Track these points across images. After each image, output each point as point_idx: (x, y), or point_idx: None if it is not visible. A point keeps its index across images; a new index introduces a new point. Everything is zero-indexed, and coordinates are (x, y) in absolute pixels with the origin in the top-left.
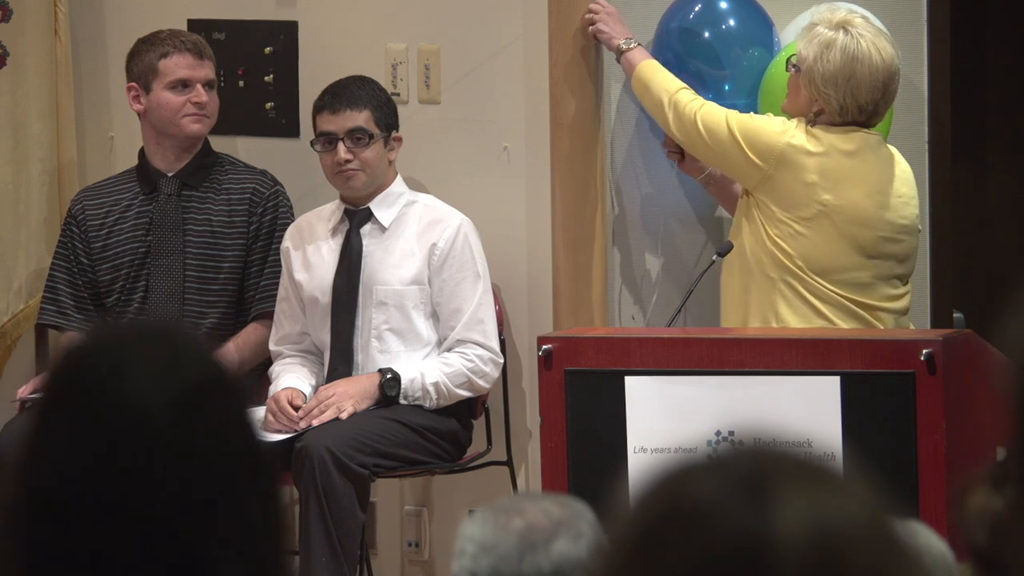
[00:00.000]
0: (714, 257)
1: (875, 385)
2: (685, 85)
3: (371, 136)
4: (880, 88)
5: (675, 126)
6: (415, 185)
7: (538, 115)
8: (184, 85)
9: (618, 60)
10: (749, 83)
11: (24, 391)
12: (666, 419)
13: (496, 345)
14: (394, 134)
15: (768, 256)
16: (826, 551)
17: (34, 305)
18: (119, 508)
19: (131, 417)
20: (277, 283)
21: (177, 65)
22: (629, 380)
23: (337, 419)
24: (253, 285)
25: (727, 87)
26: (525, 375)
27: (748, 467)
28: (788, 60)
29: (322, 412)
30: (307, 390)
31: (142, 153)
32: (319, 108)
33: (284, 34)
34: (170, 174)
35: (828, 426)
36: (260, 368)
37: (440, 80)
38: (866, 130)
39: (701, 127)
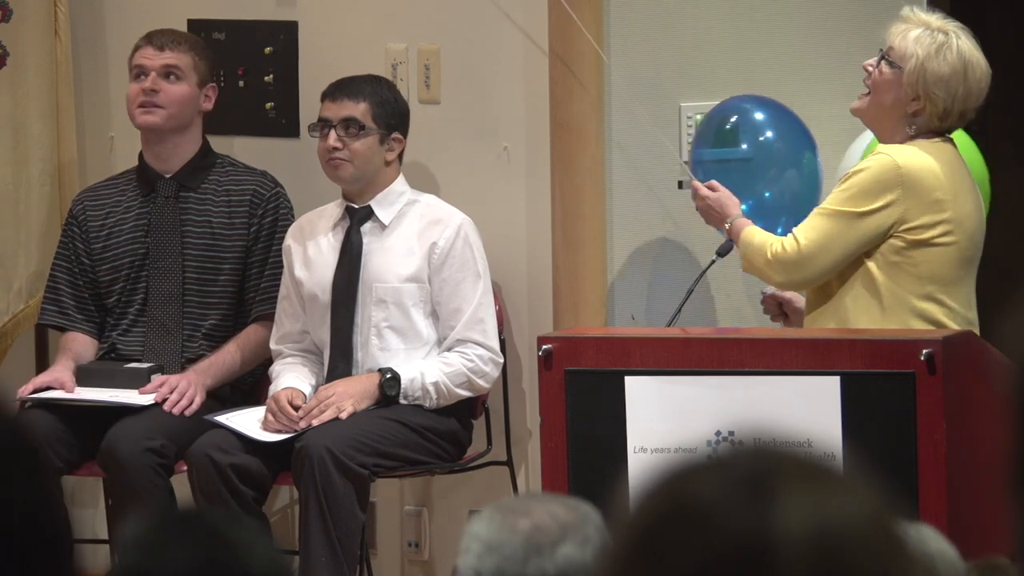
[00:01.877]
0: (714, 257)
1: (875, 385)
2: (777, 237)
3: (362, 127)
4: (983, 94)
5: (787, 277)
6: (415, 185)
7: (538, 115)
8: (142, 74)
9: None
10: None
11: (24, 391)
12: (666, 419)
13: (496, 345)
14: (394, 135)
15: (901, 287)
16: (827, 551)
17: (34, 305)
18: None
19: None
20: (277, 285)
21: (139, 56)
22: (629, 380)
23: (337, 419)
24: (253, 287)
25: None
26: (525, 375)
27: (749, 467)
28: (881, 58)
29: (322, 412)
30: (307, 390)
31: (142, 154)
32: (323, 95)
33: (284, 34)
34: (168, 175)
35: (828, 426)
36: (260, 368)
37: (440, 80)
38: (944, 138)
39: (815, 249)
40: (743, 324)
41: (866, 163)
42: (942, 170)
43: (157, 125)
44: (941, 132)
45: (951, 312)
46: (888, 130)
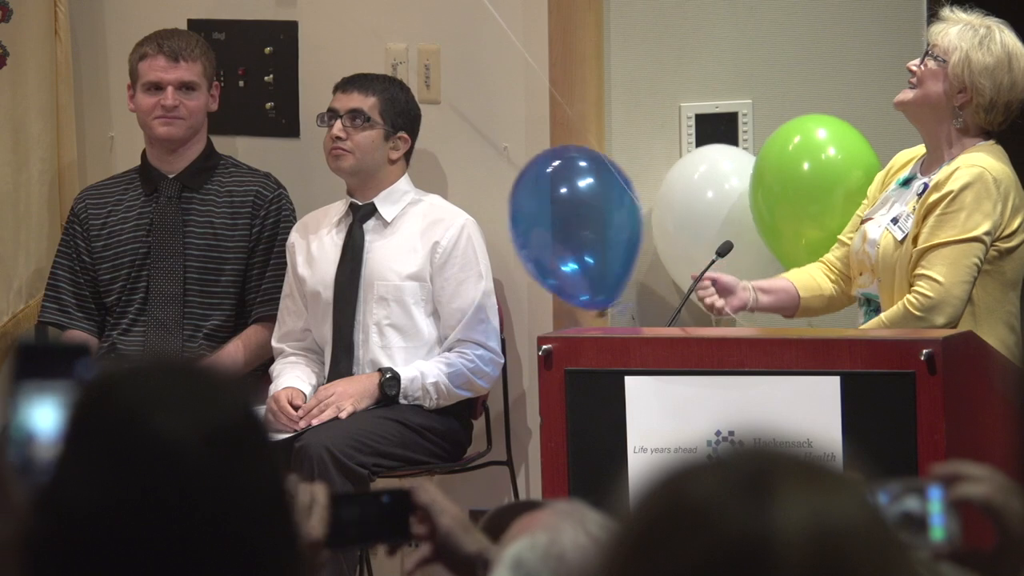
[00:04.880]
0: (714, 256)
1: (875, 385)
2: (900, 302)
3: (368, 120)
4: None
5: (947, 316)
6: (415, 184)
7: (538, 115)
8: (157, 88)
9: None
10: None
11: None
12: (666, 419)
13: (497, 345)
14: (400, 134)
15: (991, 296)
16: (826, 550)
17: (34, 305)
18: (145, 544)
19: (163, 452)
20: (278, 286)
21: (150, 68)
22: (629, 380)
23: (336, 419)
24: (254, 288)
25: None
26: (525, 375)
27: (748, 467)
28: (926, 52)
29: (321, 412)
30: (307, 389)
31: (144, 153)
32: (335, 88)
33: (284, 34)
34: (171, 176)
35: (828, 426)
36: (260, 368)
37: (440, 80)
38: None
39: (955, 280)
40: (743, 324)
41: (961, 179)
42: (1013, 174)
43: (180, 137)
44: (986, 131)
45: (1018, 311)
46: (934, 123)
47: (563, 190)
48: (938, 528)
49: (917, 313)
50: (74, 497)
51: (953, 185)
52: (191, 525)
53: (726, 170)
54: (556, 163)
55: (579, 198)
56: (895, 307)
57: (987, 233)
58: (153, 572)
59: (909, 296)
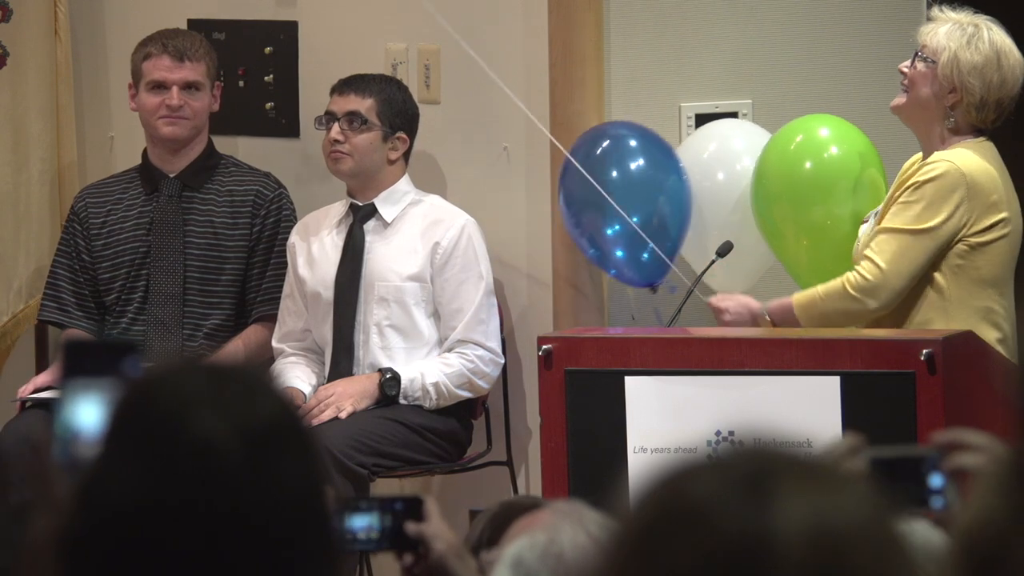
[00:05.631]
0: (714, 257)
1: (875, 385)
2: (839, 277)
3: (365, 122)
4: (1019, 82)
5: (880, 301)
6: (415, 185)
7: (538, 115)
8: (162, 87)
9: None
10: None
11: (24, 391)
12: (666, 419)
13: (497, 346)
14: (399, 134)
15: (965, 290)
16: (826, 550)
17: (34, 305)
18: (181, 543)
19: (202, 452)
20: (279, 286)
21: (154, 67)
22: (629, 380)
23: (336, 419)
24: (255, 287)
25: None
26: (525, 375)
27: (748, 467)
28: (916, 54)
29: (321, 412)
30: (307, 390)
31: (145, 152)
32: (332, 90)
33: (284, 34)
34: (171, 175)
35: (828, 426)
36: None
37: (440, 80)
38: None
39: (896, 267)
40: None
41: (929, 173)
42: (994, 171)
43: (185, 137)
44: (979, 129)
45: (1005, 311)
46: (927, 125)
47: (613, 173)
48: (935, 495)
49: (853, 293)
50: (112, 495)
51: (920, 177)
52: (227, 525)
53: (738, 150)
54: (605, 143)
55: (629, 176)
56: (835, 281)
57: (939, 227)
58: (188, 571)
59: (849, 274)
